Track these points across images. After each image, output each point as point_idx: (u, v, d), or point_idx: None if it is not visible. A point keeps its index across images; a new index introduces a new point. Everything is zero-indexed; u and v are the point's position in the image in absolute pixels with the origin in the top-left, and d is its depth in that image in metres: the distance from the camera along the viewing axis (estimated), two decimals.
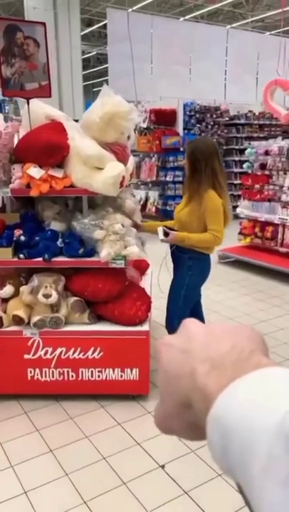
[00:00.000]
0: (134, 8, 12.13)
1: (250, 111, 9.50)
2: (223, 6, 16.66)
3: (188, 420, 0.35)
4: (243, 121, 9.34)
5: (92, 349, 2.77)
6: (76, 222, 2.77)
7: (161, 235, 2.77)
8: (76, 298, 2.81)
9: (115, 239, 2.73)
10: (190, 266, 2.82)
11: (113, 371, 2.80)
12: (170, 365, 0.37)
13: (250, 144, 6.13)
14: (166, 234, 2.78)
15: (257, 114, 9.53)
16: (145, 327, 2.77)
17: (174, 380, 0.36)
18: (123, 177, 2.66)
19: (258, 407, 0.29)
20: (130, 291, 2.89)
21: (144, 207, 8.68)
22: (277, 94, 7.03)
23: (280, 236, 5.69)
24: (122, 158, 2.74)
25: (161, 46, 11.07)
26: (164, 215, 8.21)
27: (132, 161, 3.11)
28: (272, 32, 15.84)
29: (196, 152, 2.73)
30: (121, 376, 2.80)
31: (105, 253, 2.65)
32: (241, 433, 0.28)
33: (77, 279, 2.80)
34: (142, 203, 8.74)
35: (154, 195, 8.48)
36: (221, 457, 0.30)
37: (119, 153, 2.73)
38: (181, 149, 7.80)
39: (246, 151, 6.06)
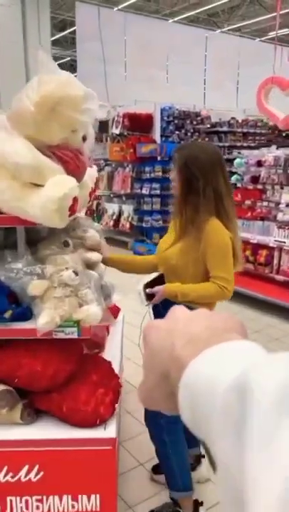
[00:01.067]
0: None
1: (232, 118, 8.73)
2: (199, 14, 16.17)
3: (167, 391, 0.40)
4: (225, 128, 8.56)
5: (26, 467, 1.77)
6: (2, 267, 1.78)
7: (144, 300, 1.83)
8: (2, 386, 1.80)
9: (63, 294, 1.75)
10: None
11: (60, 500, 1.80)
12: (155, 343, 0.42)
13: (239, 153, 5.28)
14: (149, 296, 1.84)
15: (240, 121, 8.77)
16: (110, 431, 1.78)
17: (157, 354, 0.41)
18: (75, 199, 1.70)
19: (220, 370, 0.32)
20: (88, 371, 1.91)
21: (117, 222, 7.75)
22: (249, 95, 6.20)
23: (275, 261, 4.82)
24: (75, 170, 1.78)
25: (136, 47, 10.22)
26: (140, 231, 7.29)
27: (92, 173, 2.15)
28: (262, 38, 15.41)
29: (191, 164, 1.81)
30: (73, 506, 1.80)
31: (45, 320, 1.66)
32: (205, 394, 0.32)
33: (4, 358, 1.80)
34: (114, 217, 7.81)
35: (128, 209, 7.55)
36: (191, 420, 0.34)
37: (70, 161, 1.76)
38: (159, 158, 6.91)
39: (235, 162, 5.21)
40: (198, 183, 1.80)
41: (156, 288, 1.83)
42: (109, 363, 2.03)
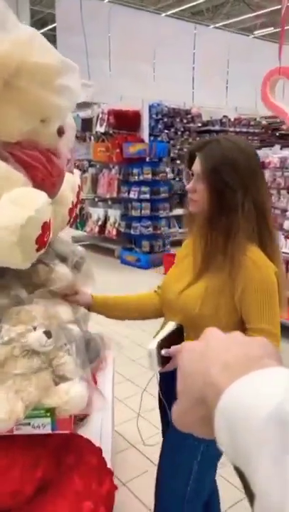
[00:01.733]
0: None
1: (224, 116, 8.22)
2: (183, 12, 15.71)
3: (201, 414, 0.40)
4: (217, 127, 8.03)
5: None
6: None
7: (155, 365, 1.22)
8: None
9: (29, 368, 1.15)
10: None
11: None
12: (190, 366, 0.43)
13: None
14: (164, 358, 1.24)
15: (232, 120, 8.26)
16: None
17: (192, 378, 0.42)
18: (46, 225, 1.11)
19: (259, 397, 0.32)
20: (68, 472, 1.31)
21: (102, 228, 7.15)
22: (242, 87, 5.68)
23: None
24: (46, 179, 1.18)
25: (121, 40, 9.62)
26: (128, 239, 6.71)
27: (74, 181, 1.56)
28: (255, 34, 15.02)
29: (224, 168, 1.24)
30: None
31: None
32: (244, 421, 0.32)
33: None
34: (100, 223, 7.21)
35: (114, 214, 6.96)
36: (229, 447, 0.34)
37: (39, 166, 1.17)
38: (148, 159, 6.34)
39: None
40: (235, 196, 1.23)
41: (174, 348, 1.24)
42: (99, 450, 1.44)
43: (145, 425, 1.82)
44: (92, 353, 1.39)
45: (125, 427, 2.70)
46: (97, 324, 1.72)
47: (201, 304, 1.30)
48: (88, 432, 1.60)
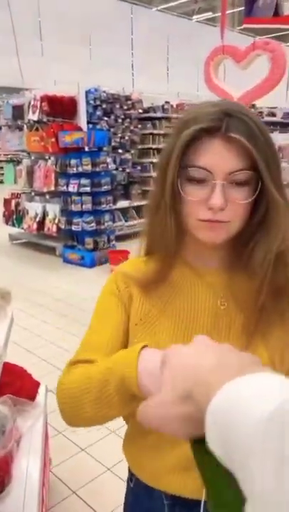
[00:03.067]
0: None
1: (166, 102, 7.87)
2: None
3: (184, 411, 0.40)
4: (159, 114, 7.66)
5: None
6: None
7: None
8: None
9: None
10: None
11: None
12: (178, 365, 0.43)
13: None
14: None
15: (175, 106, 7.93)
16: None
17: (181, 376, 0.41)
18: None
19: (258, 399, 0.32)
20: None
21: (41, 225, 6.62)
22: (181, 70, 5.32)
23: None
24: None
25: (53, 19, 8.94)
26: (69, 236, 6.23)
27: None
28: (196, 17, 14.71)
29: (276, 164, 0.73)
30: None
31: None
32: (238, 421, 0.31)
33: None
34: (38, 219, 6.66)
35: (53, 209, 6.44)
36: (219, 446, 0.33)
37: None
38: (86, 149, 5.86)
39: None
40: (280, 190, 0.76)
41: None
42: None
43: None
44: None
45: (66, 467, 2.30)
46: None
47: None
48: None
